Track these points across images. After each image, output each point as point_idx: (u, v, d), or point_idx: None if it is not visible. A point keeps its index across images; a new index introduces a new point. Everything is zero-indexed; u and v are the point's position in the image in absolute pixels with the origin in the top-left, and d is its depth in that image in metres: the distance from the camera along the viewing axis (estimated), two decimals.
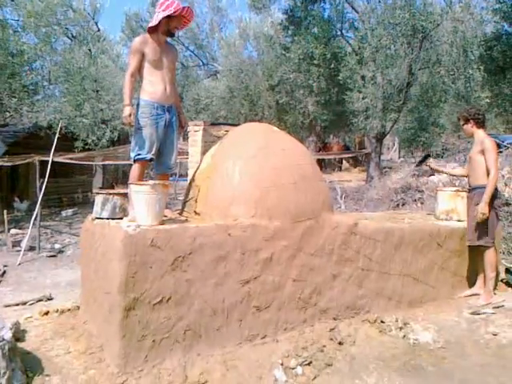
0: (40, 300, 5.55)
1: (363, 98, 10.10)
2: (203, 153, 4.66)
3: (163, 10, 4.01)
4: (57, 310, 4.72)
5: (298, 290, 4.02)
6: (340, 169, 27.95)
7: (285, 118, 14.01)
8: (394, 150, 32.37)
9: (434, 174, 9.63)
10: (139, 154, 4.04)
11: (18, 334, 3.94)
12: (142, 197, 3.58)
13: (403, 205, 8.57)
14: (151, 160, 4.13)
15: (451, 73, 10.15)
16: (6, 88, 11.21)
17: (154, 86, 4.06)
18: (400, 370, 3.48)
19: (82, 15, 12.63)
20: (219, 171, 4.12)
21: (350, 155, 19.38)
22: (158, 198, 3.60)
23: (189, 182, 4.62)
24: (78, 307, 4.71)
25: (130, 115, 3.92)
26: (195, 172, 4.52)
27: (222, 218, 3.88)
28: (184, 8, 4.10)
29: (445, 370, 3.50)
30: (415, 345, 3.88)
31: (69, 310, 4.75)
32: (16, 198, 12.45)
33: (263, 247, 3.85)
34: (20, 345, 3.77)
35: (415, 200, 8.35)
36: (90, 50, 12.18)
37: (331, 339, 3.88)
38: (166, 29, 4.11)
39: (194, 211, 4.19)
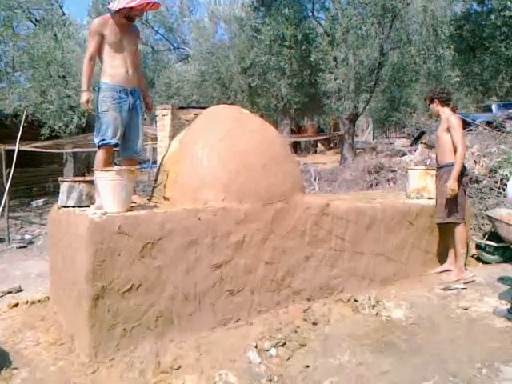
0: (9, 292, 5.40)
1: (335, 79, 10.06)
2: (172, 137, 4.56)
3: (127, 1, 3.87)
4: (26, 302, 4.62)
5: (270, 273, 4.00)
6: (315, 151, 27.99)
7: (258, 101, 13.91)
8: (368, 131, 32.58)
9: (406, 154, 9.73)
10: (103, 140, 3.93)
11: None
12: (108, 183, 3.49)
13: (376, 185, 8.63)
14: (116, 145, 4.02)
15: (422, 52, 10.19)
16: None
17: (116, 68, 3.94)
18: (373, 347, 3.50)
19: None
20: (188, 155, 4.05)
21: (324, 137, 19.43)
22: (123, 184, 3.51)
23: (157, 167, 4.54)
24: (48, 298, 4.62)
25: (87, 101, 3.81)
26: (163, 157, 4.44)
27: (191, 203, 3.81)
28: (148, 4, 3.98)
29: (417, 345, 3.54)
30: (388, 322, 3.92)
31: (39, 301, 4.66)
32: None
33: (234, 231, 3.81)
34: None
35: (388, 180, 8.41)
36: (55, 34, 11.77)
37: (305, 320, 3.88)
38: (127, 15, 3.99)
39: (163, 196, 4.11)
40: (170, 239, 3.54)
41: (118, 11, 3.92)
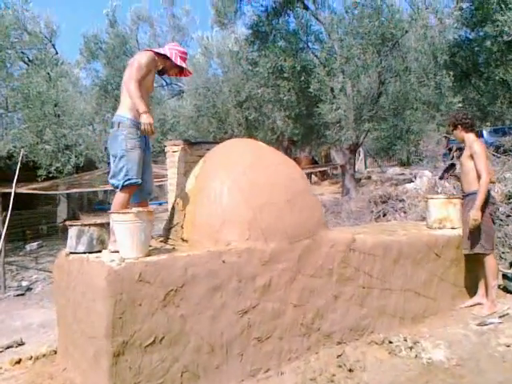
0: (10, 347, 5.01)
1: (336, 109, 9.98)
2: (184, 174, 4.33)
3: (181, 59, 3.94)
4: (30, 357, 4.25)
5: (299, 316, 3.72)
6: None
7: (255, 135, 13.80)
8: (359, 160, 32.65)
9: (413, 181, 9.57)
10: (129, 180, 3.63)
11: None
12: (126, 226, 3.23)
13: (384, 215, 8.40)
14: (140, 185, 3.75)
15: (421, 80, 10.18)
16: None
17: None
18: None
19: (39, 38, 12.10)
20: (206, 192, 3.81)
21: (324, 168, 19.28)
22: (143, 227, 3.25)
23: (171, 206, 4.28)
24: (55, 351, 4.25)
25: (152, 123, 3.59)
26: (178, 195, 4.20)
27: (213, 244, 3.55)
28: (188, 73, 4.22)
29: None
30: (429, 364, 3.62)
31: (44, 355, 4.29)
32: None
33: (260, 272, 3.54)
34: None
35: (396, 210, 8.19)
36: (48, 73, 11.62)
37: (340, 366, 3.58)
38: (167, 68, 4.03)
39: (181, 238, 3.85)
40: (194, 285, 3.26)
41: (167, 60, 3.93)
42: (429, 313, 4.59)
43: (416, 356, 3.73)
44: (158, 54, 3.92)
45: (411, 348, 3.81)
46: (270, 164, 3.99)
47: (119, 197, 3.68)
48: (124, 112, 3.68)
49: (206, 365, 3.27)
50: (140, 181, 3.69)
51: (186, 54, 4.03)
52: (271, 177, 3.85)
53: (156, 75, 4.13)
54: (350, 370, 3.53)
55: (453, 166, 5.56)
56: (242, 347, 3.43)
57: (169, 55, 3.91)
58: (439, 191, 7.52)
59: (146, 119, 3.53)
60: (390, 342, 3.89)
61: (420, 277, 4.55)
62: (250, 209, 3.64)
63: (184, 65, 3.98)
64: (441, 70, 10.36)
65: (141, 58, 3.74)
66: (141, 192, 3.89)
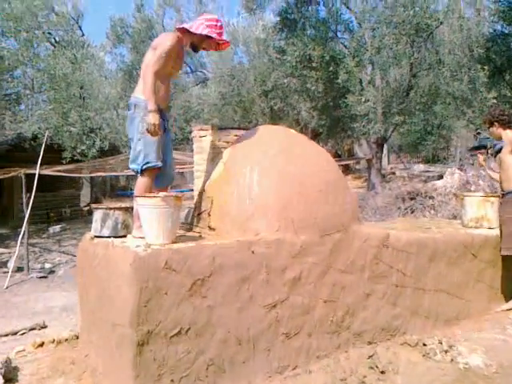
0: (33, 329, 4.97)
1: (365, 102, 9.69)
2: (211, 160, 4.18)
3: (208, 27, 3.58)
4: (53, 341, 4.21)
5: (329, 312, 3.55)
6: None
7: (279, 125, 13.58)
8: (383, 155, 32.19)
9: (442, 177, 9.28)
10: (148, 163, 3.49)
11: (10, 374, 3.43)
12: (152, 211, 3.10)
13: (412, 212, 8.15)
14: (160, 169, 3.60)
15: (454, 73, 9.81)
16: None
17: (158, 87, 3.54)
18: None
19: (65, 19, 12.04)
20: (235, 180, 3.65)
21: (351, 162, 18.91)
22: (170, 213, 3.12)
23: (198, 193, 4.14)
24: (77, 336, 4.18)
25: (159, 124, 3.40)
26: (205, 182, 4.05)
27: (241, 234, 3.40)
28: (225, 43, 3.81)
29: None
30: (466, 370, 3.42)
31: (66, 339, 4.25)
32: None
33: (290, 265, 3.38)
34: None
35: (425, 207, 7.93)
36: (74, 55, 11.55)
37: (371, 367, 3.41)
38: (196, 43, 3.71)
39: (208, 226, 3.71)
40: (221, 275, 3.12)
41: (193, 35, 3.63)
42: (463, 315, 4.38)
43: (452, 360, 3.54)
44: (183, 30, 3.70)
45: (446, 352, 3.62)
46: (301, 152, 3.81)
47: (140, 182, 3.56)
48: (140, 93, 3.53)
49: (232, 359, 3.14)
50: (160, 163, 3.53)
51: (215, 20, 3.65)
52: (303, 166, 3.68)
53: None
54: (382, 372, 3.36)
55: (483, 146, 5.34)
56: (270, 342, 3.29)
57: (188, 27, 3.61)
58: (472, 189, 7.24)
59: (151, 119, 3.35)
60: (424, 345, 3.70)
61: (455, 277, 4.34)
62: (281, 199, 3.48)
63: (209, 32, 3.58)
64: (475, 64, 9.96)
65: (164, 45, 3.51)
66: (163, 177, 3.74)
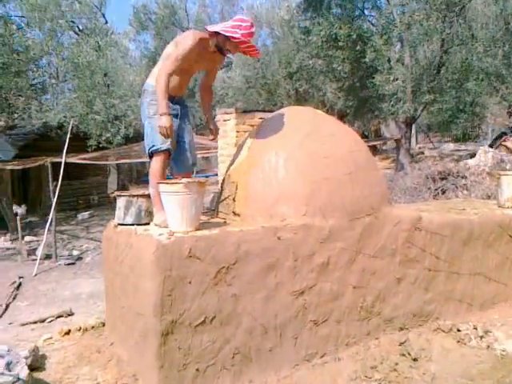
0: (60, 316, 5.02)
1: (394, 80, 9.38)
2: (235, 144, 4.06)
3: (233, 27, 3.38)
4: (79, 329, 4.19)
5: (359, 298, 3.44)
6: None
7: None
8: (411, 135, 31.49)
9: (474, 156, 8.95)
10: (154, 145, 3.43)
11: (37, 362, 3.43)
12: (175, 198, 3.02)
13: (443, 192, 7.89)
14: (169, 152, 3.49)
15: (488, 48, 9.38)
16: (13, 87, 10.62)
17: (173, 79, 3.43)
18: None
19: (89, 7, 12.05)
20: (260, 164, 3.53)
21: (376, 143, 18.49)
22: (193, 199, 3.03)
23: (222, 178, 4.04)
24: (103, 324, 4.18)
25: (170, 127, 3.29)
26: (229, 167, 3.95)
27: (266, 219, 3.29)
28: (253, 48, 3.57)
29: None
30: (504, 357, 3.27)
31: (92, 327, 4.23)
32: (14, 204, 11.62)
33: (318, 251, 3.27)
34: (40, 375, 3.26)
35: (457, 187, 7.66)
36: (97, 42, 11.57)
37: (403, 354, 3.29)
38: (220, 44, 3.50)
39: (233, 212, 3.61)
40: (247, 262, 3.03)
41: (217, 35, 3.45)
42: (499, 299, 4.21)
43: (488, 347, 3.39)
44: (211, 30, 3.54)
45: (482, 337, 3.47)
46: (329, 134, 3.66)
47: (152, 166, 3.51)
48: (151, 80, 3.48)
49: (258, 347, 3.07)
50: (166, 147, 3.43)
51: (241, 21, 3.42)
52: (331, 148, 3.53)
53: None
54: (415, 360, 3.24)
55: (504, 134, 5.08)
56: (297, 330, 3.20)
57: (210, 29, 3.45)
58: (508, 167, 6.94)
59: (163, 122, 3.25)
60: (459, 330, 3.56)
61: (491, 260, 4.16)
62: (308, 182, 3.35)
63: (233, 33, 3.36)
64: (510, 38, 9.48)
65: (184, 44, 3.37)
66: (182, 162, 3.65)
